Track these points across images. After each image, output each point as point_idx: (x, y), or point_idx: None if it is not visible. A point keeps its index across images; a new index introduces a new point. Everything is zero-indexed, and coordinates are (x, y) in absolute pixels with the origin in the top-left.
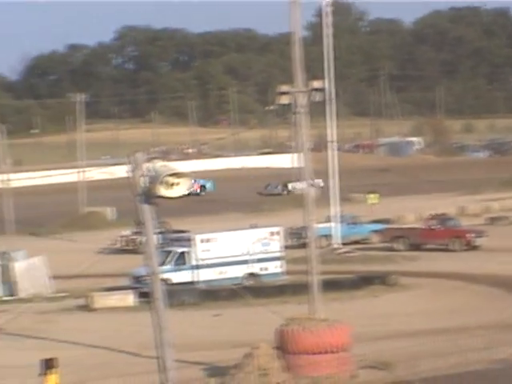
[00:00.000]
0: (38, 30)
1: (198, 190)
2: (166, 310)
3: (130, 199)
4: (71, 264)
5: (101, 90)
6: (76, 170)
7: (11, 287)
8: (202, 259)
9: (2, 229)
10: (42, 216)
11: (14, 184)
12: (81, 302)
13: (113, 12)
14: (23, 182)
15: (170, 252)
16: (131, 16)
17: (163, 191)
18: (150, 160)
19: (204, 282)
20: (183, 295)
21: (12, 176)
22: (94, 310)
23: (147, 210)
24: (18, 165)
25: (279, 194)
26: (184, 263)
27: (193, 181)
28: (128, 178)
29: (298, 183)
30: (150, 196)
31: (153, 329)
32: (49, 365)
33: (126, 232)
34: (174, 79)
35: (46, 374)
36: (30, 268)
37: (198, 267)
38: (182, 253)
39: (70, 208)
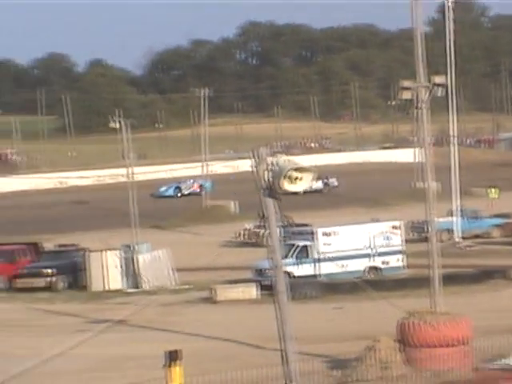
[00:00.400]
0: (163, 25)
1: (198, 190)
2: (288, 302)
3: (253, 193)
4: (195, 257)
5: (224, 85)
6: (200, 163)
7: (135, 280)
8: (324, 253)
9: (127, 222)
10: (166, 209)
11: (139, 178)
12: (204, 294)
13: (236, 7)
14: (148, 175)
15: (292, 245)
16: (254, 12)
17: (287, 185)
18: (273, 154)
19: (325, 275)
20: (305, 288)
21: (136, 170)
22: (218, 302)
23: (271, 204)
24: (143, 159)
25: (294, 193)
26: (306, 256)
27: (191, 181)
28: (252, 172)
29: (314, 182)
30: (273, 190)
31: (276, 321)
32: (173, 356)
33: (249, 225)
34: (296, 74)
35: (170, 365)
36: (154, 261)
37: (319, 260)
38: (304, 246)
39: (194, 202)
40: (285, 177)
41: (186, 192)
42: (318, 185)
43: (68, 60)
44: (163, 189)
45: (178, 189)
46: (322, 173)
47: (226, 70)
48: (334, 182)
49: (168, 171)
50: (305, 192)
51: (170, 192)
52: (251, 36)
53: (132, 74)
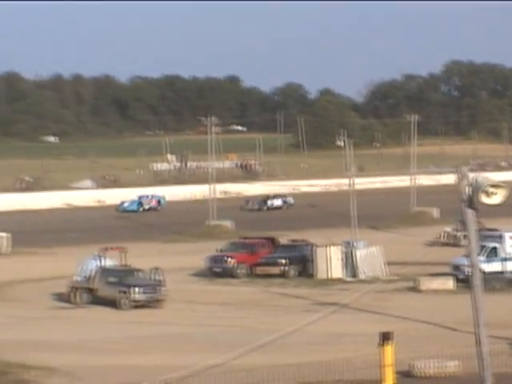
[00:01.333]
0: (381, 61)
1: (155, 205)
2: (482, 294)
3: (452, 202)
4: (402, 253)
5: (431, 113)
6: (408, 176)
7: (353, 270)
8: (510, 253)
9: (348, 222)
10: (380, 213)
11: (358, 186)
12: (410, 284)
13: (442, 48)
14: (366, 185)
15: (483, 246)
16: (457, 51)
17: (484, 199)
18: (473, 171)
19: (511, 272)
20: (493, 282)
21: (356, 180)
22: (421, 291)
23: (470, 214)
24: (361, 171)
25: (259, 210)
26: (495, 256)
27: (150, 197)
28: (455, 185)
29: (275, 200)
30: (472, 202)
31: (471, 309)
32: (386, 337)
33: (448, 228)
34: (491, 105)
35: (383, 344)
36: (369, 255)
37: (506, 259)
38: (494, 247)
39: (403, 207)
40: (482, 191)
41: (147, 207)
42: (279, 202)
43: (302, 88)
44: (127, 204)
45: (140, 204)
46: (278, 193)
47: (432, 100)
48: (291, 200)
49: (382, 182)
50: (268, 208)
51: (134, 207)
52: (454, 72)
53: (355, 101)
